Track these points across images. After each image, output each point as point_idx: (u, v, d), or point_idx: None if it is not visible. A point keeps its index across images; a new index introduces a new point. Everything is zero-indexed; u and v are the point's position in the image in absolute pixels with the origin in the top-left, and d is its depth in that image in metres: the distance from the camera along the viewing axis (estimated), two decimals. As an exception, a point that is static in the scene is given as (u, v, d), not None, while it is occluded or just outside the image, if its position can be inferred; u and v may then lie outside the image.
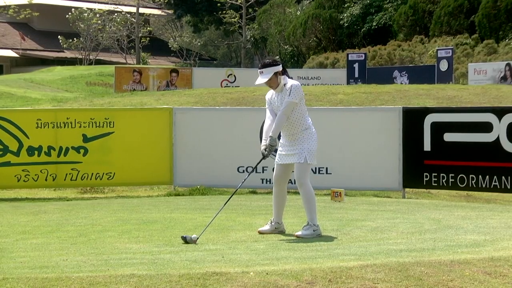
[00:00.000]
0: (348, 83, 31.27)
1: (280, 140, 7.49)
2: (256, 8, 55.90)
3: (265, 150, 7.35)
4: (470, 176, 10.84)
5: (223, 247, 6.86)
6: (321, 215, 8.80)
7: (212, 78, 32.10)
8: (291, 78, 7.56)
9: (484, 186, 10.76)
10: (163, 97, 22.25)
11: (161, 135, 12.46)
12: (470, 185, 10.89)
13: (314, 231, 7.32)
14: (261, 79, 7.31)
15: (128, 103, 20.52)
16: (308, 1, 51.77)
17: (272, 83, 7.33)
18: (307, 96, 18.10)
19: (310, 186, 7.37)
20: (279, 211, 7.59)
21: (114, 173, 12.39)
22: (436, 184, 11.17)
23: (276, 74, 7.30)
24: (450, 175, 11.01)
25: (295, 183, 7.57)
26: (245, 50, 56.80)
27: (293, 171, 7.51)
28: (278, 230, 7.60)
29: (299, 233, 7.34)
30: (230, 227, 8.15)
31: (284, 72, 7.41)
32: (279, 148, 7.50)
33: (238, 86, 28.38)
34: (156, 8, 64.24)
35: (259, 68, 7.36)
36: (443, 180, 11.06)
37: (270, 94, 7.48)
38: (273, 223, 7.61)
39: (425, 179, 11.23)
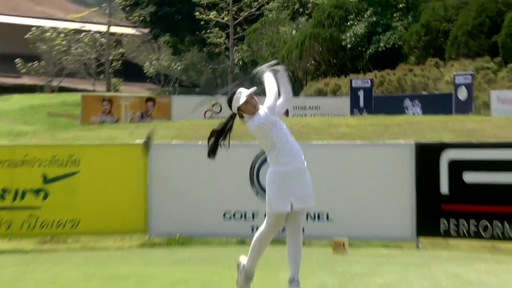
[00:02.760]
0: (352, 113, 31.35)
1: None
2: (245, 27, 55.49)
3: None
4: (495, 223, 10.76)
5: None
6: (321, 268, 8.73)
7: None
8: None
9: (511, 235, 10.68)
10: (137, 130, 22.15)
11: (134, 175, 12.35)
12: (495, 234, 10.80)
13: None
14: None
15: (96, 138, 20.43)
16: (305, 18, 51.92)
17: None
18: (304, 128, 18.04)
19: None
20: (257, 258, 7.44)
21: (79, 220, 12.28)
22: (455, 233, 11.08)
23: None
24: (472, 222, 10.93)
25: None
26: (232, 75, 56.80)
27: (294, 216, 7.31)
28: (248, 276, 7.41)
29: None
30: (216, 283, 8.05)
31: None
32: None
33: (225, 117, 28.42)
34: (130, 26, 64.48)
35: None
36: (464, 228, 10.98)
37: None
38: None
39: (442, 226, 11.16)
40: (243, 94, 7.13)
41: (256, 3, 53.12)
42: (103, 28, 56.08)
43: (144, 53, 68.50)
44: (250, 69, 55.10)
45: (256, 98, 7.14)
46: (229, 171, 12.14)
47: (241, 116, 7.19)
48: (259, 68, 7.29)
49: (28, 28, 54.11)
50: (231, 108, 7.23)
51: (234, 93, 7.20)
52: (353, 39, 43.77)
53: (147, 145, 7.66)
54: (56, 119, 35.48)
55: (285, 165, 7.12)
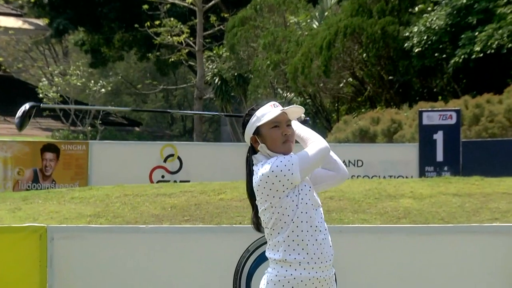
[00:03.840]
0: (422, 174, 22.26)
1: None
2: (225, 15, 37.41)
3: None
4: None
5: None
6: None
7: (131, 164, 23.71)
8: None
9: None
10: (25, 204, 16.89)
11: (21, 282, 9.36)
12: None
13: None
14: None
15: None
16: (334, 0, 33.46)
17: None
18: (334, 201, 14.23)
19: None
20: None
21: None
22: None
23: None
24: None
25: None
26: (201, 103, 37.63)
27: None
28: None
29: None
30: None
31: None
32: None
33: (188, 181, 20.09)
34: (11, 14, 46.18)
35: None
36: None
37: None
38: None
39: None
40: (272, 108, 4.98)
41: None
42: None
43: (38, 63, 45.48)
44: (234, 91, 36.57)
45: (295, 131, 5.07)
46: (194, 278, 8.95)
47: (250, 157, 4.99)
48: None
49: None
50: (244, 133, 5.20)
51: (258, 106, 5.22)
52: (425, 38, 28.46)
53: (24, 118, 5.77)
54: None
55: (300, 268, 4.86)
